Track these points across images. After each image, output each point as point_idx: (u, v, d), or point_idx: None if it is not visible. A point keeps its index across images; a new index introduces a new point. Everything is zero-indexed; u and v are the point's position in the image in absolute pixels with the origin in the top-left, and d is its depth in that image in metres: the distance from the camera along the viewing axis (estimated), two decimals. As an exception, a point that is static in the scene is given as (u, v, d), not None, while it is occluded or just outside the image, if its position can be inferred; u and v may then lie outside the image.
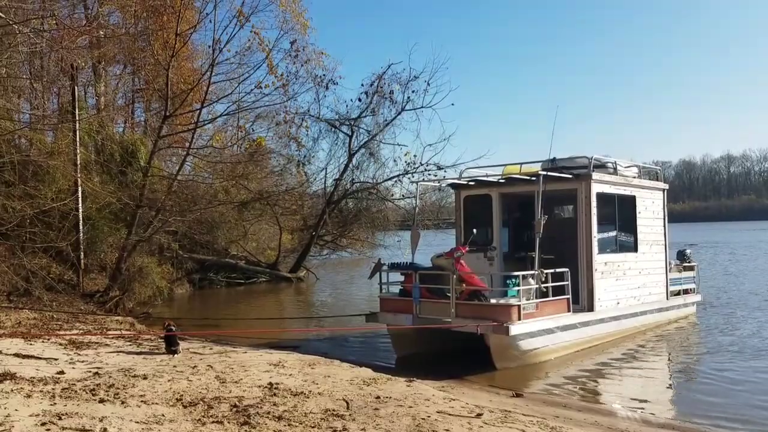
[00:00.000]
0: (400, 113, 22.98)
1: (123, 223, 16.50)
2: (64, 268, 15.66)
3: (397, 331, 10.26)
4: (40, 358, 7.58)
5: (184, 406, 5.71)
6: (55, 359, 7.62)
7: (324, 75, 23.32)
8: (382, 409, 5.98)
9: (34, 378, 6.45)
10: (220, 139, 21.66)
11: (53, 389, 6.05)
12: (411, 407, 6.13)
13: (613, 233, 11.66)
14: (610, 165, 11.88)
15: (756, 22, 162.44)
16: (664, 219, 13.21)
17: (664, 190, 13.44)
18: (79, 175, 15.26)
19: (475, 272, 10.10)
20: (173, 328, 8.65)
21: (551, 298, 9.81)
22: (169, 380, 6.74)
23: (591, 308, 10.75)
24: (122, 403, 5.70)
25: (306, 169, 25.35)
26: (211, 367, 7.62)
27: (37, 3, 14.82)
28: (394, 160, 23.94)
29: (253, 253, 24.27)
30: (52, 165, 14.77)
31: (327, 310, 17.22)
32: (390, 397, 6.47)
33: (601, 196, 11.11)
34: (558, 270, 9.95)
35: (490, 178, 11.83)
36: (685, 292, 14.09)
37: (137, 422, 5.12)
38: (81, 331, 10.16)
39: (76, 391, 6.02)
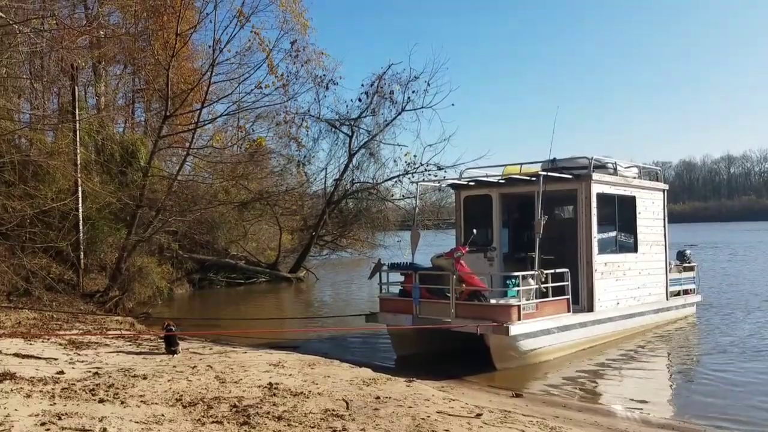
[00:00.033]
0: (400, 113, 23.04)
1: (123, 223, 16.51)
2: (64, 268, 15.66)
3: (397, 331, 10.26)
4: (40, 358, 7.58)
5: (184, 406, 5.71)
6: (55, 359, 7.62)
7: (324, 75, 23.36)
8: (381, 410, 5.98)
9: (33, 378, 6.45)
10: (221, 139, 21.65)
11: (53, 389, 6.05)
12: (411, 407, 6.13)
13: (613, 234, 11.66)
14: (610, 165, 11.89)
15: (756, 22, 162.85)
16: (664, 219, 13.21)
17: (664, 190, 13.44)
18: (79, 175, 15.26)
19: (475, 272, 10.10)
20: (173, 328, 8.64)
21: (551, 299, 9.81)
22: (168, 380, 6.74)
23: (591, 309, 10.75)
24: (122, 403, 5.70)
25: (306, 170, 25.39)
26: (211, 367, 7.62)
27: (37, 3, 14.85)
28: (394, 161, 24.02)
29: (253, 254, 24.27)
30: (52, 165, 14.77)
31: (327, 310, 17.21)
32: (390, 398, 6.47)
33: (601, 197, 11.11)
34: (558, 270, 9.95)
35: (490, 179, 11.83)
36: (685, 292, 14.09)
37: (137, 422, 5.12)
38: (81, 331, 10.16)
39: (75, 391, 6.03)
